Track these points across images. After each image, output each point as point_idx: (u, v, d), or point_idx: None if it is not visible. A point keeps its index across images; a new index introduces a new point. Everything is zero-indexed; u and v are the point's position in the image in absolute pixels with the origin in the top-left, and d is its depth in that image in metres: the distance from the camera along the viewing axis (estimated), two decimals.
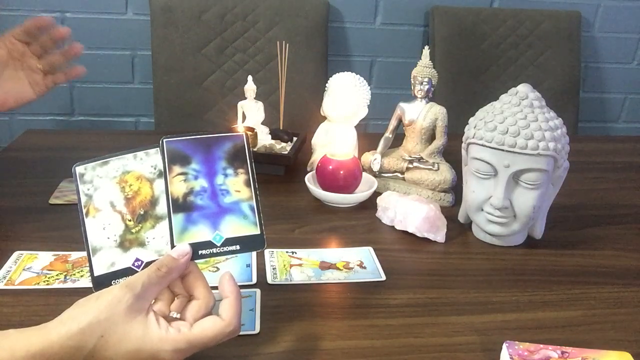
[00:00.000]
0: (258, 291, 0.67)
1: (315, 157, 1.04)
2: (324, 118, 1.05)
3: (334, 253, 0.77)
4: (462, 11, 1.67)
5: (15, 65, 0.83)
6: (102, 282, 0.52)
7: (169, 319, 0.50)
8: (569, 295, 0.70)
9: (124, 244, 0.53)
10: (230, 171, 0.55)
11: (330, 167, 0.92)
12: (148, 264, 0.52)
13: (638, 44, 1.83)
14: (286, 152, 1.04)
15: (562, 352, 0.54)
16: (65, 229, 0.79)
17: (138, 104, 1.71)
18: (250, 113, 1.07)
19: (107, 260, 0.53)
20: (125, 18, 1.61)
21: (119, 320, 0.46)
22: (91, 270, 0.52)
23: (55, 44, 0.85)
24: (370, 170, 0.99)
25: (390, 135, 1.02)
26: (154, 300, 0.51)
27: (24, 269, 0.69)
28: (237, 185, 0.55)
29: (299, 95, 1.53)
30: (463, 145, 0.82)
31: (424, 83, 0.97)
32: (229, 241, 0.54)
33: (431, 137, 0.99)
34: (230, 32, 1.57)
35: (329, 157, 0.93)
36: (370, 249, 0.79)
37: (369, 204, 0.91)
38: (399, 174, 0.98)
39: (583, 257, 0.80)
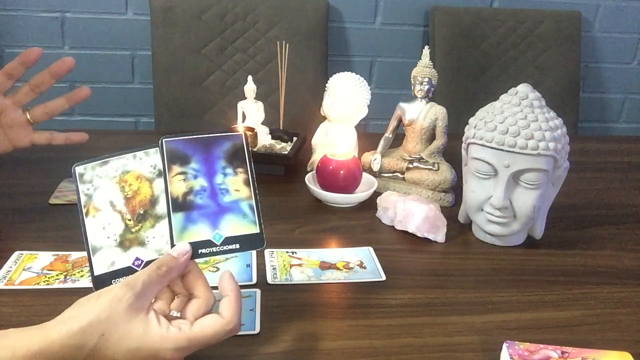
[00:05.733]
0: (258, 291, 0.67)
1: (315, 157, 1.04)
2: (324, 118, 1.05)
3: (334, 253, 0.77)
4: (462, 11, 1.67)
5: None
6: (102, 281, 0.52)
7: (170, 318, 0.50)
8: (569, 295, 0.70)
9: (124, 244, 0.53)
10: (229, 170, 0.55)
11: (330, 167, 0.92)
12: (148, 263, 0.52)
13: (638, 44, 1.83)
14: (286, 152, 1.04)
15: (562, 352, 0.54)
16: (65, 229, 0.79)
17: (138, 104, 1.71)
18: (250, 113, 1.07)
19: (107, 259, 0.53)
20: (125, 18, 1.61)
21: (119, 319, 0.46)
22: (91, 270, 0.52)
23: (54, 78, 0.78)
24: (370, 170, 0.99)
25: (390, 135, 1.02)
26: (154, 299, 0.51)
27: (24, 269, 0.69)
28: (236, 185, 0.55)
29: (299, 95, 1.53)
30: (463, 145, 0.82)
31: (424, 83, 0.97)
32: (228, 240, 0.54)
33: (431, 137, 0.99)
34: (230, 32, 1.58)
35: (329, 157, 0.93)
36: (370, 249, 0.78)
37: (369, 204, 0.91)
38: (399, 174, 0.98)
39: (583, 257, 0.80)
